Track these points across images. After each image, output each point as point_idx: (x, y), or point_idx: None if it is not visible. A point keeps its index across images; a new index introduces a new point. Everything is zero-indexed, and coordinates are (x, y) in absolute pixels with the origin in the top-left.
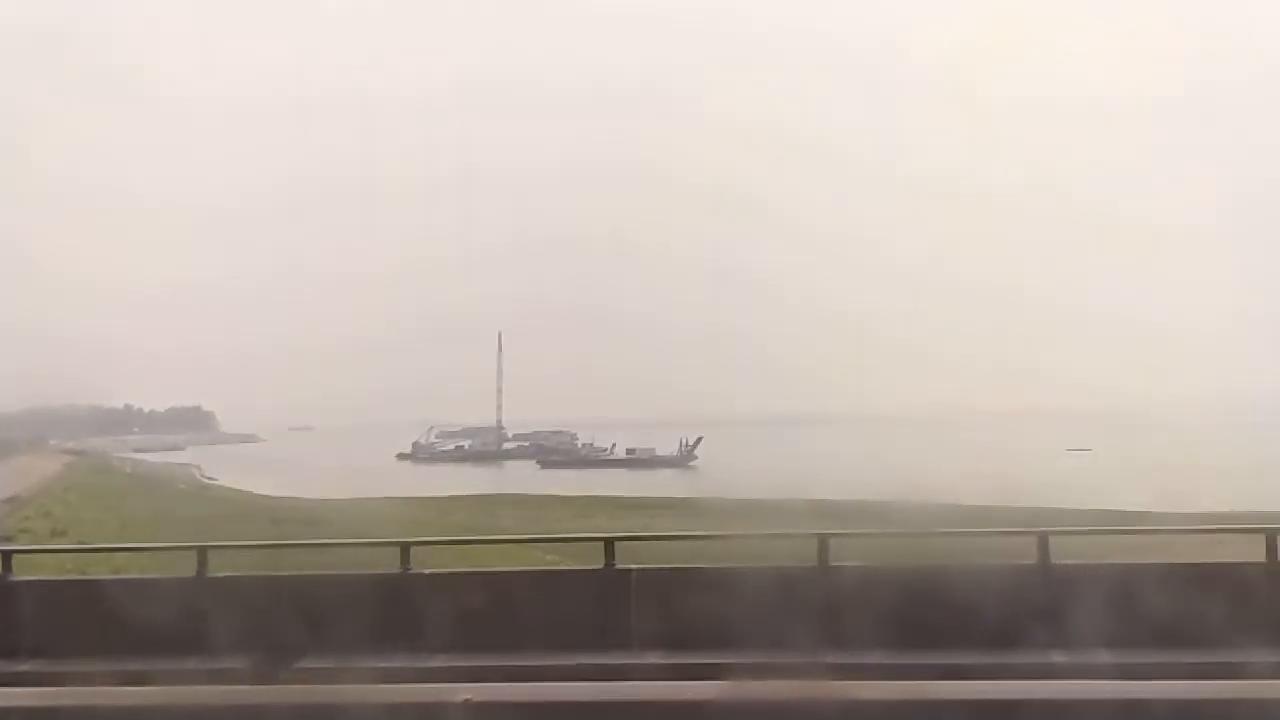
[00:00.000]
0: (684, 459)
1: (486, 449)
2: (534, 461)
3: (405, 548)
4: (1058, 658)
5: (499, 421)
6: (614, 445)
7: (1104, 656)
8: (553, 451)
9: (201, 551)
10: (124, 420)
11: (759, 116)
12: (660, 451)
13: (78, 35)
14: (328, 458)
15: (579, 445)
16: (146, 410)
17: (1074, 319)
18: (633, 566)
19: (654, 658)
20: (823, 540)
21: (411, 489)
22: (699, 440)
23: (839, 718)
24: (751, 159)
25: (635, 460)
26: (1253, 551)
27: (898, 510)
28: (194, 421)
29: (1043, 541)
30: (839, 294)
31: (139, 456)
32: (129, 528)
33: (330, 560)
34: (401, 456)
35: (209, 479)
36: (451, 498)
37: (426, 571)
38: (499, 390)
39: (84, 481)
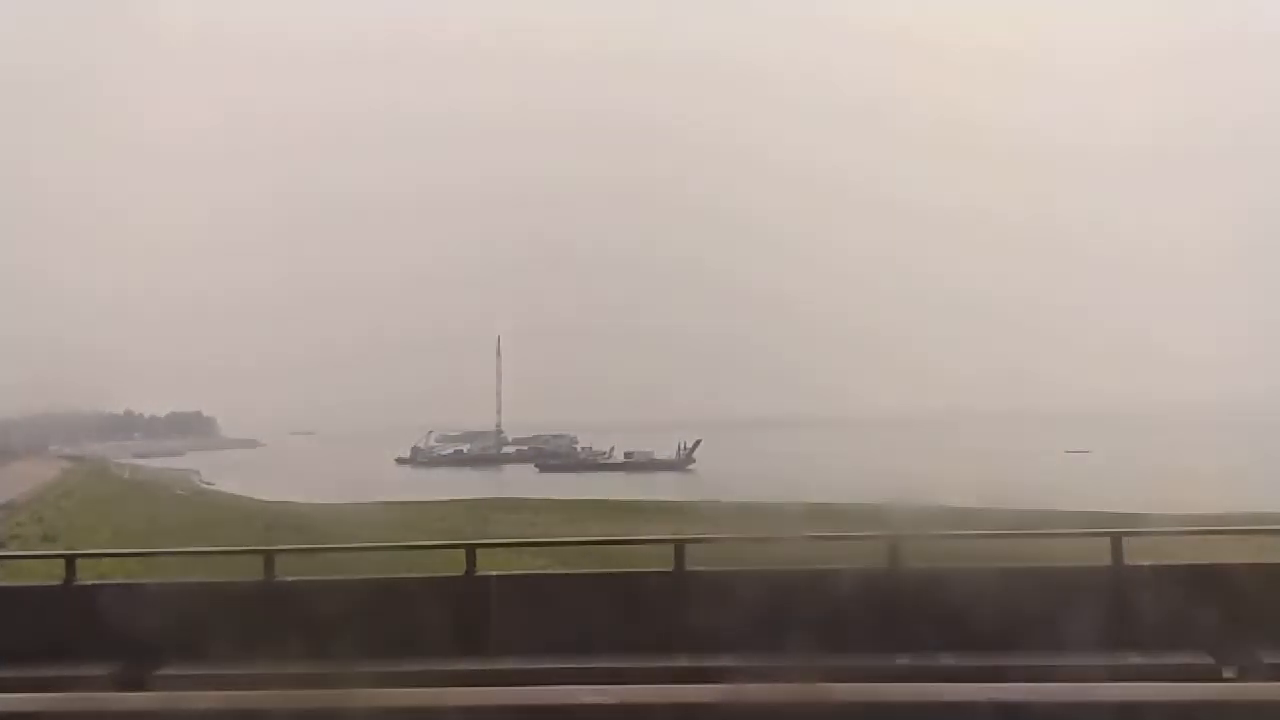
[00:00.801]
0: (682, 463)
1: (485, 453)
2: (533, 465)
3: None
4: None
5: (498, 426)
6: (612, 449)
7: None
8: (552, 455)
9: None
10: (125, 426)
11: (757, 140)
12: (659, 455)
13: (79, 48)
14: (328, 463)
15: (578, 449)
16: (148, 416)
17: (1073, 324)
18: (493, 574)
19: (511, 663)
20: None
21: (409, 494)
22: (697, 444)
23: None
24: (749, 176)
25: (633, 464)
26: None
27: (895, 513)
28: (195, 427)
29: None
30: (839, 300)
31: (139, 462)
32: (121, 534)
33: (317, 565)
34: (400, 461)
35: (207, 484)
36: (445, 502)
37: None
38: (498, 394)
39: (80, 487)
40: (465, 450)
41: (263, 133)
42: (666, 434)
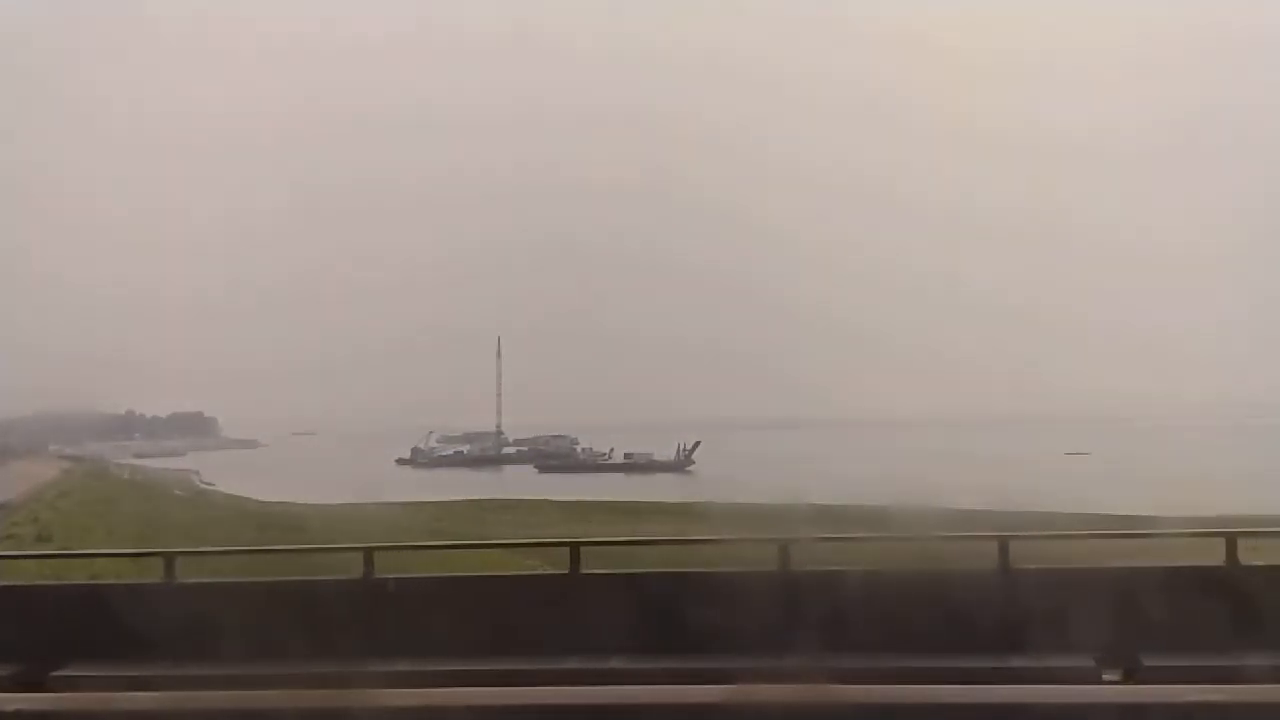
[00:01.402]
0: (682, 464)
1: (485, 454)
2: (533, 466)
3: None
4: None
5: (498, 426)
6: (612, 450)
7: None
8: (551, 456)
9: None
10: (126, 426)
11: (763, 139)
12: (658, 456)
13: (79, 37)
14: (328, 463)
15: (578, 450)
16: (149, 416)
17: (1076, 326)
18: (390, 577)
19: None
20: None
21: (408, 494)
22: (696, 445)
23: None
24: (752, 174)
25: (633, 465)
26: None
27: (897, 515)
28: (196, 427)
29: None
30: (839, 301)
31: (139, 462)
32: (116, 534)
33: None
34: (401, 462)
35: (206, 484)
36: (442, 503)
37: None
38: (498, 395)
39: (78, 487)
40: (465, 451)
41: (264, 131)
42: (667, 435)
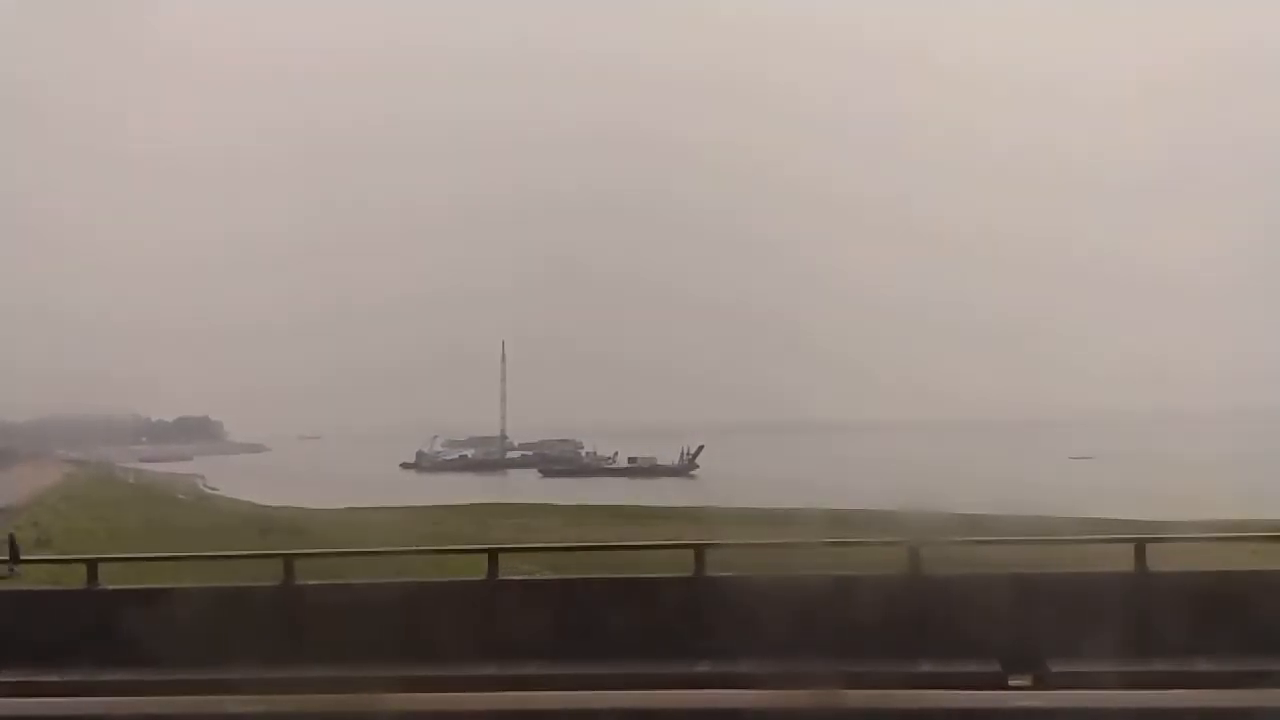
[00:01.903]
0: (685, 468)
1: (490, 458)
2: (537, 471)
3: None
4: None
5: (502, 431)
6: (616, 454)
7: None
8: (555, 460)
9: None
10: (132, 430)
11: (765, 156)
12: (661, 460)
13: (88, 63)
14: (333, 467)
15: (583, 454)
16: (155, 420)
17: (1080, 338)
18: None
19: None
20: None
21: (412, 498)
22: (700, 449)
23: None
24: (756, 190)
25: (637, 469)
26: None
27: (902, 519)
28: (202, 431)
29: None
30: (844, 306)
31: (144, 467)
32: (117, 538)
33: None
34: (405, 466)
35: (210, 489)
36: (444, 507)
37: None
38: (502, 400)
39: (81, 492)
40: (470, 455)
41: (275, 146)
42: (678, 438)
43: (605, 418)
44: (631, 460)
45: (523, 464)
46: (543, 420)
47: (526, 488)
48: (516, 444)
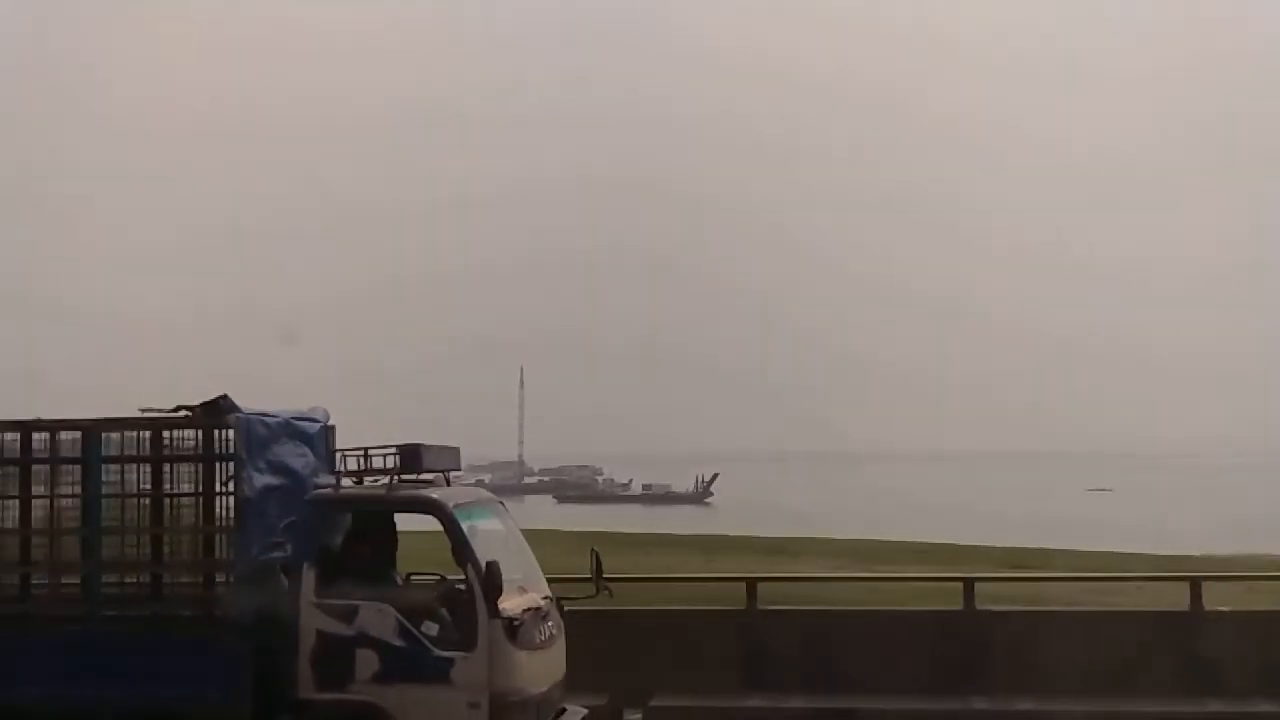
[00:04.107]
0: (700, 495)
1: (506, 483)
2: (552, 497)
3: None
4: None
5: (520, 456)
6: (631, 481)
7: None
8: (571, 486)
9: None
10: None
11: (798, 158)
12: (676, 488)
13: (84, 61)
14: None
15: (599, 480)
16: None
17: (1103, 363)
18: None
19: None
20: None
21: (423, 524)
22: (715, 477)
23: None
24: (791, 194)
25: (651, 496)
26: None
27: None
28: None
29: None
30: (868, 333)
31: None
32: None
33: None
34: None
35: None
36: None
37: None
38: (520, 426)
39: None
40: (487, 480)
41: (294, 146)
42: (698, 466)
43: (627, 444)
44: (646, 487)
45: (539, 489)
46: (563, 446)
47: (541, 514)
48: (537, 469)
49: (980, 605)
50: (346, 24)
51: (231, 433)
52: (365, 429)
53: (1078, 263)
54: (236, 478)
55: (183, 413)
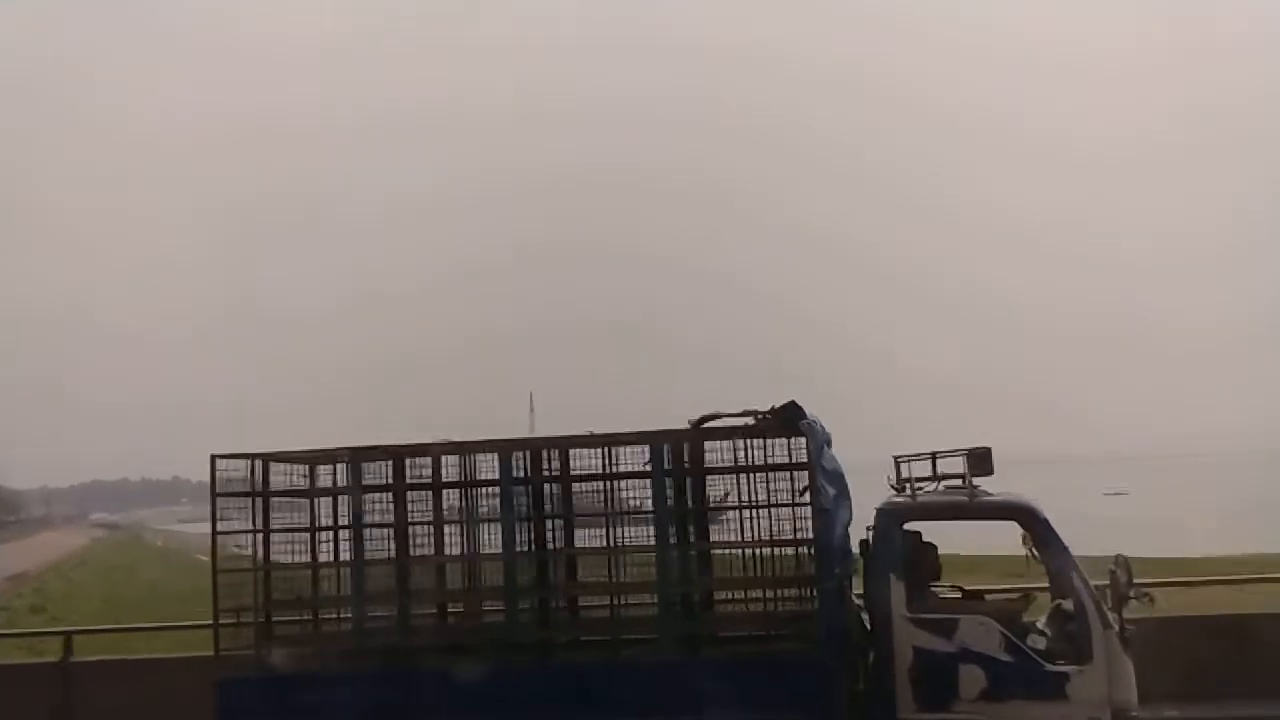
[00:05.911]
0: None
1: None
2: None
3: None
4: None
5: None
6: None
7: None
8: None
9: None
10: (172, 491)
11: (814, 142)
12: None
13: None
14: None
15: None
16: (195, 481)
17: (1109, 356)
18: None
19: None
20: None
21: None
22: (726, 495)
23: None
24: (809, 183)
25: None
26: None
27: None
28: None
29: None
30: (887, 331)
31: (179, 528)
32: (111, 603)
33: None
34: None
35: (237, 548)
36: None
37: None
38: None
39: (99, 557)
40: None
41: (296, 149)
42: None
43: None
44: None
45: None
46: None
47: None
48: None
49: None
50: (346, 24)
51: (804, 440)
52: (363, 428)
53: (1087, 249)
54: (811, 488)
55: (748, 419)
